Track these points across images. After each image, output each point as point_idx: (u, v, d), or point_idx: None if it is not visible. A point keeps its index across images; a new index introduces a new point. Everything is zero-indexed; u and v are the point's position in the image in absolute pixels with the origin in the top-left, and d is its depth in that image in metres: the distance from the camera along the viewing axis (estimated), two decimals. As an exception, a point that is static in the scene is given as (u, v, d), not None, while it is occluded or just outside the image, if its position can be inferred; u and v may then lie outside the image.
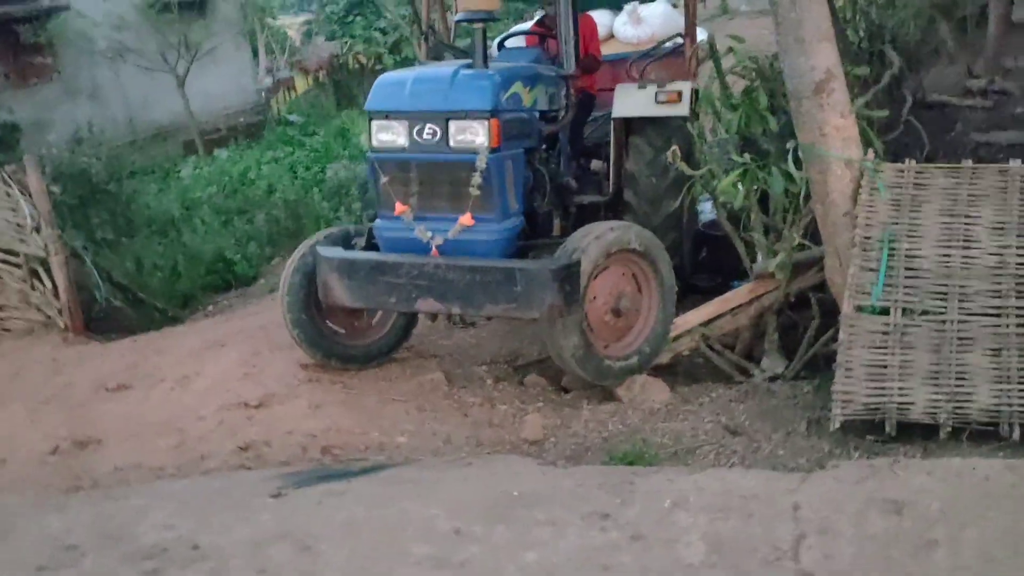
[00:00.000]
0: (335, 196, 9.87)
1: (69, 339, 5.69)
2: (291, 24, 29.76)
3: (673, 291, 4.48)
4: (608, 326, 4.26)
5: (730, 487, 2.97)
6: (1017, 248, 3.66)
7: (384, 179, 4.13)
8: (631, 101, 5.22)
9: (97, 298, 6.11)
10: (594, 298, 4.14)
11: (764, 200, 4.74)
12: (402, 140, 4.08)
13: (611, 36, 8.42)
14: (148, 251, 8.64)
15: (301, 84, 19.35)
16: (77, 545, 2.90)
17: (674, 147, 4.69)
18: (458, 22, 4.54)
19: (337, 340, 4.64)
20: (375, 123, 4.15)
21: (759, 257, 4.70)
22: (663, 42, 6.29)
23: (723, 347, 4.86)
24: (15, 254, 5.93)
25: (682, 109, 5.13)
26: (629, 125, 5.30)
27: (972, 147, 7.00)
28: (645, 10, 7.92)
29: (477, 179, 3.93)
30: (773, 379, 4.52)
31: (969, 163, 4.00)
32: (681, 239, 5.33)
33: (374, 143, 4.17)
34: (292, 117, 16.11)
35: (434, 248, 4.03)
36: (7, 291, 5.96)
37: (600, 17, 9.13)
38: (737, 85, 5.27)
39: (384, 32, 19.28)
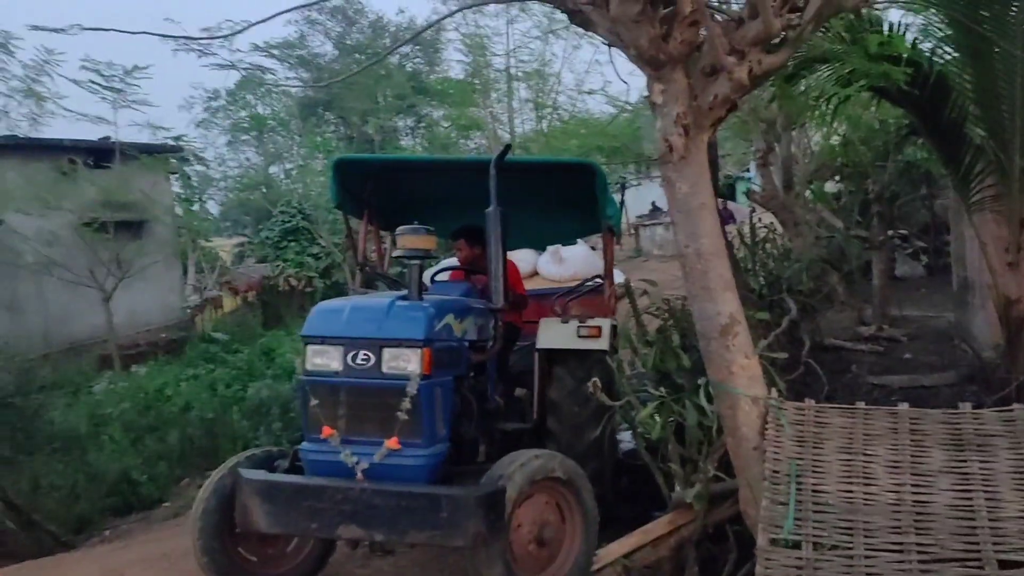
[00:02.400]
0: (255, 415, 9.74)
1: (-49, 564, 5.27)
2: (223, 246, 30.62)
3: (596, 522, 4.49)
4: (531, 556, 4.22)
5: None
6: (912, 486, 3.90)
7: (314, 402, 4.18)
8: (555, 334, 5.54)
9: (-11, 519, 5.73)
10: (518, 526, 4.14)
11: (680, 431, 4.96)
12: (336, 364, 4.17)
13: (535, 273, 9.06)
14: (47, 469, 8.21)
15: (229, 303, 19.58)
16: None
17: (595, 379, 4.94)
18: (396, 258, 4.83)
19: (249, 570, 4.44)
20: (310, 348, 4.26)
21: (677, 487, 4.83)
22: (585, 281, 6.80)
23: (644, 581, 4.84)
24: (-95, 469, 5.61)
25: (602, 343, 5.44)
26: (552, 356, 5.57)
27: (867, 388, 7.53)
28: (566, 251, 8.66)
29: (407, 404, 4.02)
30: (695, 615, 4.50)
31: (862, 405, 4.33)
32: (603, 468, 5.44)
33: (308, 367, 4.25)
34: (217, 335, 16.13)
35: (359, 472, 4.02)
36: None
37: (525, 255, 9.85)
38: (651, 324, 5.69)
39: (317, 257, 20.03)
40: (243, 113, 35.34)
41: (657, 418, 4.89)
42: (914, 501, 3.82)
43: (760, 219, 9.71)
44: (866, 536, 3.77)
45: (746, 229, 8.72)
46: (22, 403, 8.96)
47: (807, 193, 11.74)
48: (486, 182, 4.95)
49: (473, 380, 4.94)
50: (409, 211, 6.54)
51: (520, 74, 24.53)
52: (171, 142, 17.98)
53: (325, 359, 4.21)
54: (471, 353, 4.82)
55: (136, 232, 15.69)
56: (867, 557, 3.71)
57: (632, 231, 25.59)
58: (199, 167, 21.51)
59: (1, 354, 10.35)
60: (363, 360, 4.14)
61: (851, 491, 3.93)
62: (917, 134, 7.98)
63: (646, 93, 4.40)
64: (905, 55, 5.04)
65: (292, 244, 20.53)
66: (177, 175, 18.53)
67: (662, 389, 5.00)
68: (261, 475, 4.18)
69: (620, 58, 4.47)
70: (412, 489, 3.93)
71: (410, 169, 6.66)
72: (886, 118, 9.32)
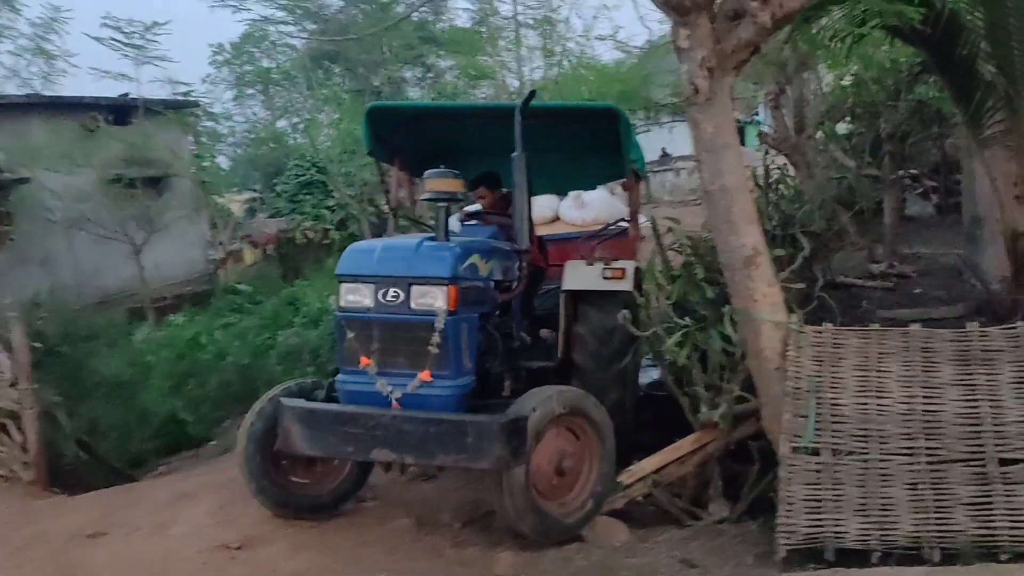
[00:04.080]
0: (287, 360, 10.16)
1: (33, 493, 5.72)
2: (233, 201, 30.88)
3: (613, 454, 4.75)
4: (551, 484, 4.51)
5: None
6: (922, 397, 4.27)
7: (349, 335, 4.43)
8: (580, 276, 5.70)
9: (65, 453, 6.16)
10: (539, 455, 4.38)
11: (703, 360, 5.31)
12: (368, 301, 4.41)
13: (556, 218, 9.28)
14: (99, 412, 8.66)
15: (249, 256, 19.95)
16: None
17: (624, 311, 5.30)
18: (424, 200, 4.98)
19: (291, 490, 4.80)
20: (344, 285, 4.50)
21: (703, 409, 5.20)
22: (609, 224, 7.03)
23: (671, 495, 5.24)
24: (-16, 408, 6.02)
25: (626, 284, 5.61)
26: (578, 297, 5.76)
27: (878, 322, 7.83)
28: (588, 196, 8.82)
29: (436, 339, 4.27)
30: (720, 522, 4.91)
31: (877, 326, 4.68)
32: (625, 398, 5.69)
33: (342, 303, 4.50)
34: (241, 286, 16.54)
35: (394, 401, 4.28)
36: (-29, 445, 5.99)
37: (547, 200, 10.05)
38: (676, 261, 6.01)
39: (332, 210, 20.31)
40: (248, 68, 35.22)
41: (682, 347, 5.26)
42: (924, 410, 4.20)
43: (773, 161, 9.93)
44: (880, 442, 4.16)
45: (759, 171, 8.94)
46: (68, 351, 9.36)
47: (818, 134, 11.91)
48: (512, 128, 5.10)
49: (498, 318, 5.15)
50: (439, 157, 6.72)
51: (529, 21, 24.42)
52: (180, 97, 18.17)
53: (358, 296, 4.44)
54: (496, 292, 5.05)
55: (159, 188, 15.98)
56: (881, 460, 4.11)
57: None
58: (208, 123, 21.68)
59: (44, 306, 10.76)
60: (393, 297, 4.37)
61: (866, 403, 4.31)
62: (929, 72, 8.16)
63: (654, 39, 4.63)
64: (919, -6, 5.24)
65: (308, 197, 20.79)
66: (190, 131, 18.72)
67: (687, 320, 5.36)
68: (301, 402, 4.49)
69: (631, 3, 4.64)
70: (441, 416, 4.19)
71: (439, 116, 6.84)
72: (897, 58, 9.45)
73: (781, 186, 9.16)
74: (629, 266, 5.67)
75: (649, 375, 7.11)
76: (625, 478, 5.01)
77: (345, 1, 31.47)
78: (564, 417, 4.49)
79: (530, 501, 4.28)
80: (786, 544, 3.97)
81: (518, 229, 5.14)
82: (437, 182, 4.70)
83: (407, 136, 6.37)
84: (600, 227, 7.31)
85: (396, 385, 4.31)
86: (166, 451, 8.54)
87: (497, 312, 5.14)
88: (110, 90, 15.86)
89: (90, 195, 14.42)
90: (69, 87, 17.92)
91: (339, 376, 4.58)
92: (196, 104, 17.93)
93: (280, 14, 26.16)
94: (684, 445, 5.18)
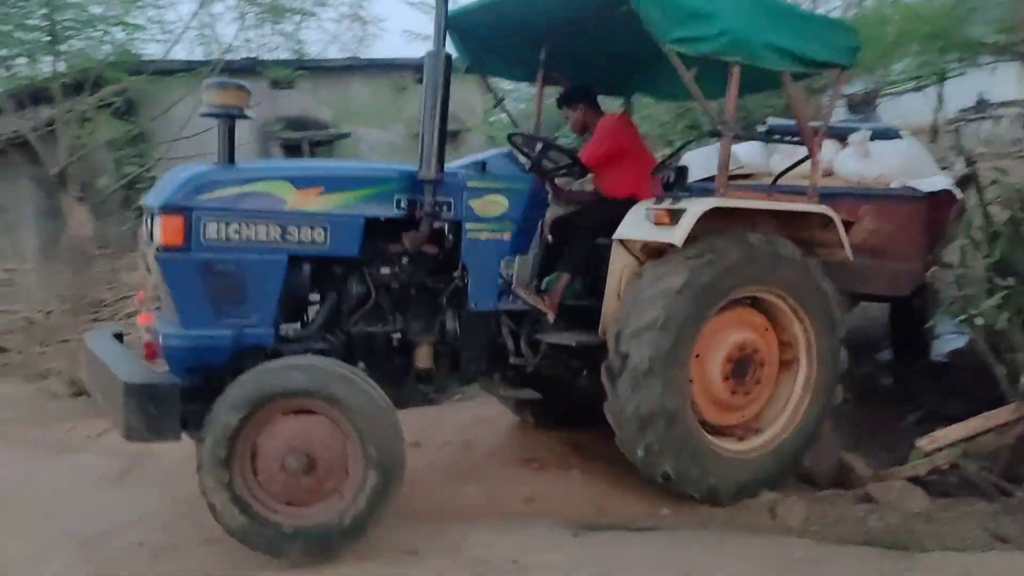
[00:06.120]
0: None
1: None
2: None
3: (395, 449, 3.58)
4: (287, 484, 3.52)
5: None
6: None
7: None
8: (635, 221, 4.30)
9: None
10: (255, 446, 3.51)
11: (1024, 325, 4.82)
12: (146, 234, 3.93)
13: (830, 172, 7.38)
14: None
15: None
16: (417, 551, 3.58)
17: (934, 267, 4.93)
18: (202, 115, 3.90)
19: None
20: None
21: (1023, 379, 4.74)
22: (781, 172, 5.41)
23: (980, 467, 4.86)
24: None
25: (673, 235, 4.03)
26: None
27: None
28: (878, 145, 6.69)
29: (157, 277, 3.72)
30: (1037, 501, 4.48)
31: None
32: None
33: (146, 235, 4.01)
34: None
35: (146, 349, 3.88)
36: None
37: (825, 149, 8.84)
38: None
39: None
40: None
41: (1001, 310, 4.81)
42: None
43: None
44: None
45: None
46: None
47: None
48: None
49: (403, 267, 4.23)
50: (590, 72, 5.42)
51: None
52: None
53: (145, 227, 3.95)
54: (390, 233, 4.10)
55: (455, 141, 17.28)
56: None
57: (953, 128, 23.00)
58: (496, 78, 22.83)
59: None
60: (147, 229, 3.88)
61: None
62: None
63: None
64: None
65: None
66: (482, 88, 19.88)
67: (1009, 280, 4.87)
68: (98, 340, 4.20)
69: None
70: (105, 363, 3.67)
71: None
72: None
73: None
74: (695, 207, 4.06)
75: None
76: (926, 443, 4.75)
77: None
78: (293, 399, 3.49)
79: (237, 503, 3.42)
80: None
81: (423, 153, 3.96)
82: (215, 94, 3.75)
83: (554, 52, 5.23)
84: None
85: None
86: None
87: (405, 258, 4.20)
88: (418, 51, 17.26)
89: (400, 148, 15.98)
90: (380, 49, 19.87)
91: None
92: (488, 62, 19.02)
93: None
94: (1002, 414, 4.77)
